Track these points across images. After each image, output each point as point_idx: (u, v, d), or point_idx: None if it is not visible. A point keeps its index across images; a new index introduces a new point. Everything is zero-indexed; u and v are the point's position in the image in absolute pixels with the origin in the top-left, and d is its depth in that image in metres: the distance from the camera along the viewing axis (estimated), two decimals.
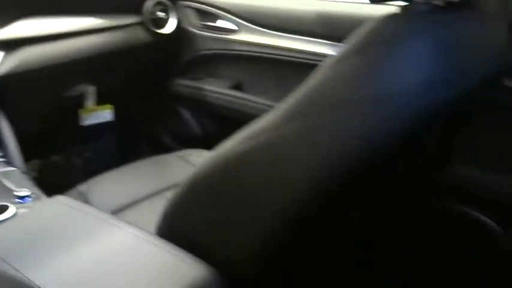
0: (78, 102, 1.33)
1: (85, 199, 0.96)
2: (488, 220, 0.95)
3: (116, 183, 1.06)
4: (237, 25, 1.39)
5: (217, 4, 1.43)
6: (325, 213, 0.56)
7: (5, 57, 1.09)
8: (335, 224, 0.62)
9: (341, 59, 0.51)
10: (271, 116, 0.54)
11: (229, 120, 1.40)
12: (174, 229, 0.63)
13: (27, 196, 0.85)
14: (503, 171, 0.91)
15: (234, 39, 1.40)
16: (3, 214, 0.79)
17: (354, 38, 0.51)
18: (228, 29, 1.41)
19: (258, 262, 0.56)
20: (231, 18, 1.40)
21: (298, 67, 1.20)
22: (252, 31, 1.36)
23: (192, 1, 1.48)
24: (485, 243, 0.96)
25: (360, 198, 0.60)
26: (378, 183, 0.62)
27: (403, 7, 0.55)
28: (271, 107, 0.54)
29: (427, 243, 1.01)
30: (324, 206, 0.53)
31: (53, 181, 1.18)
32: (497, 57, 0.59)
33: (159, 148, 1.45)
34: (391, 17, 0.52)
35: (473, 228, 0.97)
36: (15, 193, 0.86)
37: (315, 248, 0.63)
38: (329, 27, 1.16)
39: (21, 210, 0.81)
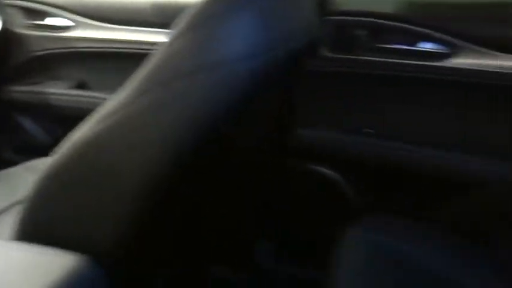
0: None
1: None
2: (333, 173, 1.11)
3: None
4: (73, 21, 1.33)
5: (47, 1, 1.34)
6: (178, 186, 0.60)
7: None
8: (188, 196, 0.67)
9: (177, 36, 0.54)
10: (119, 97, 0.55)
11: (77, 121, 1.33)
12: (37, 228, 0.60)
13: None
14: (345, 131, 1.07)
15: (70, 36, 1.33)
16: None
17: (188, 17, 0.55)
18: (62, 26, 1.33)
19: (129, 240, 0.57)
20: (65, 15, 1.33)
21: (139, 58, 1.21)
22: (90, 26, 1.31)
23: None
24: (332, 193, 1.12)
25: (213, 159, 0.65)
26: (228, 143, 0.69)
27: None
28: None
29: (282, 197, 1.13)
30: (176, 176, 0.57)
31: None
32: (311, 28, 0.70)
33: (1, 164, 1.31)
34: None
35: (322, 182, 1.12)
36: None
37: (178, 215, 0.67)
38: (165, 16, 1.19)
39: None
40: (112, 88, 1.30)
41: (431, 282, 0.80)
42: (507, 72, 0.87)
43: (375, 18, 0.95)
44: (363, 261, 0.82)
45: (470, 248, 0.91)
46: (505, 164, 0.94)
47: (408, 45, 0.94)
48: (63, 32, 1.33)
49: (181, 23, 0.55)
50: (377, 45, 0.96)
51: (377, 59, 0.96)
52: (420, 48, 0.94)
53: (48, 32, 1.35)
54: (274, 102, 0.85)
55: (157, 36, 1.20)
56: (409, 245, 0.86)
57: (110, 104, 0.56)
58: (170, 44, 0.54)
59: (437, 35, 0.92)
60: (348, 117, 1.06)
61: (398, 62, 0.95)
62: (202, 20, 0.54)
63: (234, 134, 0.68)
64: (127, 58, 1.25)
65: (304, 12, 0.68)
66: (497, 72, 0.87)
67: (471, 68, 0.89)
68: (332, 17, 0.96)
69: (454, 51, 0.91)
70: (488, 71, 0.88)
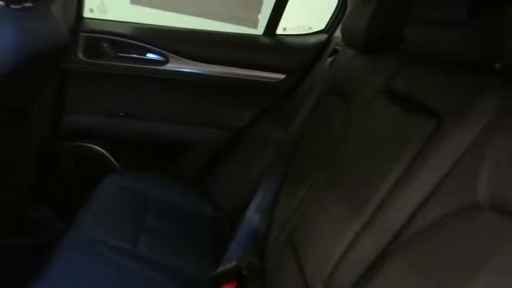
0: None
1: None
2: (98, 148, 1.50)
3: None
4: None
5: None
6: None
7: None
8: None
9: None
10: None
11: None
12: None
13: None
14: (104, 115, 1.47)
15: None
16: None
17: None
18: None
19: None
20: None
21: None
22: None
23: None
24: (99, 165, 1.51)
25: None
26: None
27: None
28: None
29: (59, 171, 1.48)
30: None
31: None
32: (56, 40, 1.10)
33: None
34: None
35: (93, 157, 1.50)
36: None
37: None
38: None
39: None
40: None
41: (167, 209, 1.26)
42: (193, 72, 1.44)
43: (117, 37, 1.41)
44: (110, 199, 1.23)
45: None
46: (205, 130, 1.51)
47: (140, 55, 1.43)
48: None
49: None
50: (119, 54, 1.41)
51: (118, 63, 1.41)
52: (148, 57, 1.43)
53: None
54: (47, 95, 1.22)
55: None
56: (150, 188, 1.31)
57: None
58: None
59: (157, 49, 1.43)
60: (106, 105, 1.49)
61: (133, 66, 1.42)
62: None
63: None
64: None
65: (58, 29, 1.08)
66: (189, 72, 1.44)
67: (177, 69, 1.44)
68: (85, 34, 1.38)
69: (167, 59, 1.43)
70: (186, 72, 1.44)
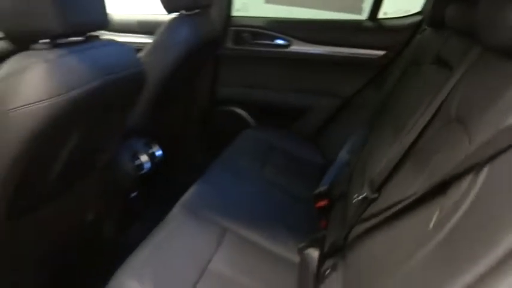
0: None
1: None
2: (241, 110, 2.05)
3: None
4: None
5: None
6: None
7: None
8: None
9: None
10: None
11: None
12: None
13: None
14: (247, 87, 2.01)
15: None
16: None
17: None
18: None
19: None
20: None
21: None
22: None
23: None
24: (240, 123, 2.06)
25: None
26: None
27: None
28: None
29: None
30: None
31: None
32: (213, 34, 1.64)
33: None
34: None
35: (237, 119, 2.06)
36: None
37: None
38: None
39: None
40: None
41: (287, 155, 1.74)
42: (311, 52, 1.86)
43: (254, 28, 1.91)
44: (249, 143, 1.76)
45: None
46: (320, 97, 1.93)
47: (270, 41, 1.91)
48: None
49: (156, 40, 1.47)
50: (255, 41, 1.92)
51: (255, 48, 1.92)
52: (276, 43, 1.91)
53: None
54: (207, 73, 1.79)
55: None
56: (275, 139, 1.80)
57: None
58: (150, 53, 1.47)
59: (283, 36, 1.89)
60: (247, 80, 2.02)
61: (265, 50, 1.91)
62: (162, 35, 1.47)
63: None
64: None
65: (214, 26, 1.63)
66: (308, 52, 1.86)
67: (298, 51, 1.88)
68: (232, 28, 1.91)
69: (290, 43, 1.88)
70: (305, 52, 1.87)
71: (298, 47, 1.89)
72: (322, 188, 1.43)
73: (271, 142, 1.78)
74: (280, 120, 2.02)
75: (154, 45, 1.42)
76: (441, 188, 0.67)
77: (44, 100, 0.72)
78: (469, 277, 0.48)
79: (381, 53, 1.81)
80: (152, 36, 1.45)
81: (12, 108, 0.70)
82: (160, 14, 1.80)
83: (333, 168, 1.48)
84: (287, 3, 2.10)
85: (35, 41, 0.80)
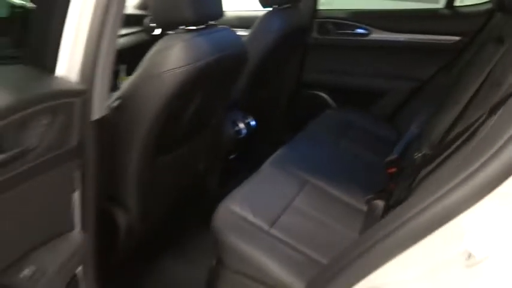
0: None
1: None
2: (324, 94, 2.30)
3: None
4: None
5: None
6: None
7: None
8: None
9: None
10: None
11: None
12: None
13: None
14: (328, 72, 2.27)
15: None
16: None
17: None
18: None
19: None
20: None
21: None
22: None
23: None
24: (323, 105, 2.31)
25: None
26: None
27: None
28: None
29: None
30: None
31: None
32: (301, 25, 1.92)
33: None
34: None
35: (320, 102, 2.32)
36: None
37: None
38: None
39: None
40: None
41: (364, 132, 1.96)
42: (390, 40, 2.05)
43: (337, 20, 2.15)
44: (329, 121, 2.01)
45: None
46: (398, 81, 2.12)
47: (352, 30, 2.13)
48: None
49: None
50: (337, 31, 2.15)
51: (338, 37, 2.16)
52: (357, 32, 2.12)
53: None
54: (295, 60, 2.08)
55: None
56: (354, 119, 2.03)
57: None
58: None
59: (363, 25, 2.10)
60: (330, 66, 2.26)
61: (347, 39, 2.14)
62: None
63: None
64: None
65: (302, 18, 1.90)
66: (387, 40, 2.06)
67: (378, 39, 2.08)
68: (317, 20, 2.17)
69: (370, 32, 2.09)
70: (384, 40, 2.07)
71: (377, 35, 2.09)
72: (392, 157, 1.63)
73: (349, 120, 2.01)
74: (360, 103, 2.23)
75: (251, 35, 1.73)
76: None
77: (182, 66, 1.06)
78: None
79: (456, 38, 1.95)
80: (248, 29, 1.77)
81: (166, 71, 1.04)
82: (255, 10, 2.12)
83: (403, 140, 1.67)
84: None
85: (175, 27, 1.14)
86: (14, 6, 1.02)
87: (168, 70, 1.05)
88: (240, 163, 1.54)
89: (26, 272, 0.67)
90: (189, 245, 1.57)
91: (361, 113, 2.15)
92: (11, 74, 0.74)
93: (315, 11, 2.18)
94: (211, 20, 1.22)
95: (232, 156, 1.80)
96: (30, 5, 0.92)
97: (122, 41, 1.88)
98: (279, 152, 1.59)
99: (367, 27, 2.10)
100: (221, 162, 1.71)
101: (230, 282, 1.15)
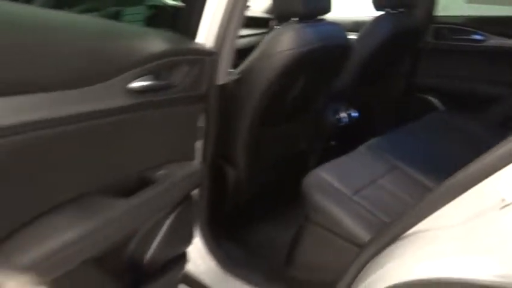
0: None
1: None
2: (436, 100, 2.35)
3: None
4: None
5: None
6: None
7: None
8: None
9: None
10: None
11: None
12: None
13: None
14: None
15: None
16: None
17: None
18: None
19: None
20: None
21: None
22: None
23: None
24: (429, 107, 2.35)
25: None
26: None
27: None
28: None
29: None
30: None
31: None
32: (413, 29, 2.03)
33: None
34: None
35: (428, 105, 2.36)
36: None
37: None
38: None
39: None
40: None
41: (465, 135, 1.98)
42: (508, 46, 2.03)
43: (452, 25, 2.19)
44: (434, 121, 2.06)
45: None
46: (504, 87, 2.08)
47: (467, 36, 2.15)
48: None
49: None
50: (453, 37, 2.19)
51: (454, 43, 2.20)
52: (472, 37, 2.14)
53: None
54: (406, 63, 2.19)
55: None
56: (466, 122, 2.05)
57: None
58: None
59: (478, 31, 2.11)
60: (442, 71, 2.30)
61: (462, 44, 2.17)
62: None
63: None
64: None
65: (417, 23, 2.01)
66: (502, 46, 2.04)
67: (494, 45, 2.07)
68: (433, 25, 2.24)
69: (487, 38, 2.09)
70: (500, 46, 2.06)
71: (495, 41, 2.08)
72: None
73: (455, 123, 2.03)
74: (471, 108, 2.22)
75: (361, 34, 1.91)
76: None
77: (289, 49, 1.30)
78: None
79: None
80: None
81: (277, 52, 1.30)
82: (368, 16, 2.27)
83: None
84: (490, 2, 2.29)
85: (288, 19, 1.40)
86: None
87: (279, 51, 1.30)
88: (340, 150, 1.71)
89: (161, 172, 0.98)
90: (284, 211, 1.80)
91: (469, 117, 2.15)
92: (167, 35, 1.06)
93: (431, 17, 2.26)
94: (320, 15, 1.45)
95: (333, 143, 1.98)
96: None
97: (248, 40, 2.15)
98: (377, 138, 1.73)
99: (484, 33, 2.10)
100: (322, 145, 1.91)
101: (312, 234, 1.34)
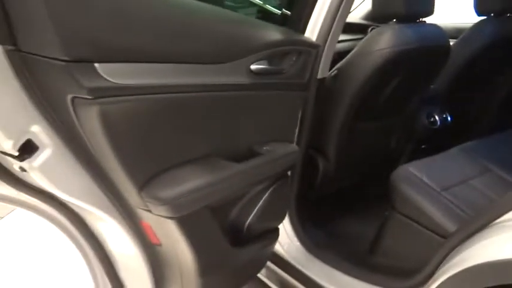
0: None
1: None
2: None
3: None
4: None
5: None
6: None
7: None
8: None
9: None
10: None
11: None
12: None
13: None
14: None
15: None
16: None
17: None
18: None
19: None
20: None
21: None
22: None
23: None
24: None
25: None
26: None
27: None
28: None
29: None
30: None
31: None
32: None
33: None
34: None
35: None
36: None
37: None
38: None
39: None
40: None
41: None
42: None
43: None
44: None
45: None
46: None
47: None
48: None
49: None
50: None
51: None
52: None
53: None
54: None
55: None
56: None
57: None
58: None
59: None
60: None
61: None
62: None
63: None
64: None
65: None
66: None
67: None
68: None
69: None
70: None
71: None
72: None
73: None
74: None
75: (461, 38, 1.90)
76: None
77: (387, 48, 1.39)
78: None
79: None
80: None
81: (376, 50, 1.39)
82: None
83: None
84: None
85: (388, 21, 1.48)
86: None
87: (377, 50, 1.39)
88: (430, 154, 1.73)
89: (266, 148, 1.13)
90: (368, 207, 1.86)
91: None
92: (281, 29, 1.22)
93: None
94: (421, 17, 1.51)
95: (424, 146, 2.00)
96: None
97: (345, 44, 2.22)
98: (471, 142, 1.73)
99: None
100: (412, 146, 1.94)
101: (398, 224, 1.41)
